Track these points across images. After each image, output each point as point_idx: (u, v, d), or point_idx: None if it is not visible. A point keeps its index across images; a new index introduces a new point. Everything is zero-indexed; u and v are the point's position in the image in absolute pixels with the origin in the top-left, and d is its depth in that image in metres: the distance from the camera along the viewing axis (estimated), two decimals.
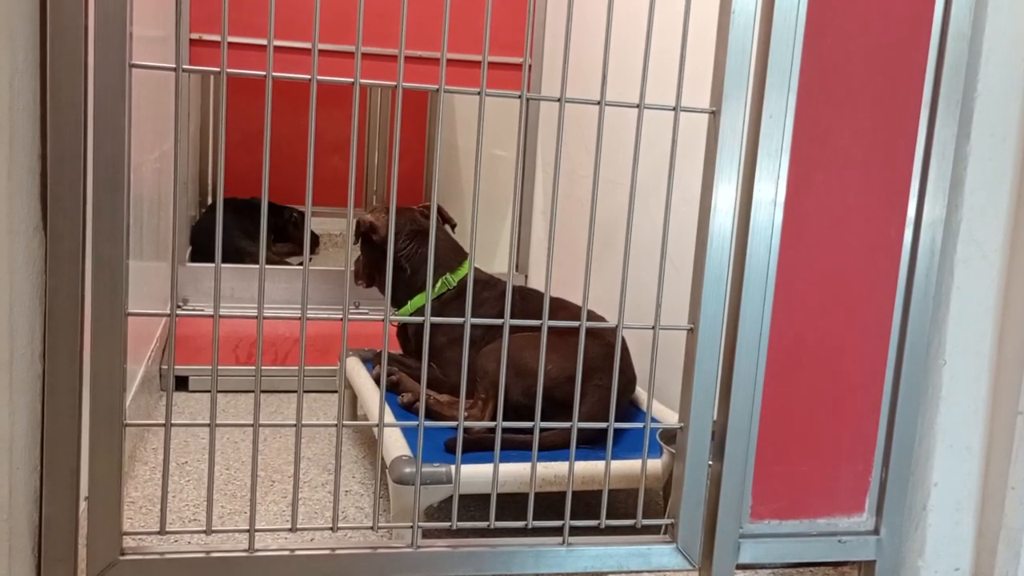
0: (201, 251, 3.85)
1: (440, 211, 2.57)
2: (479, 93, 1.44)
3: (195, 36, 3.13)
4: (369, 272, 2.55)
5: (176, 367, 2.78)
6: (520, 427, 1.81)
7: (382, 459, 1.73)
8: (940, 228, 1.64)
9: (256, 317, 1.42)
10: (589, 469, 1.90)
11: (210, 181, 4.66)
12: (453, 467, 1.81)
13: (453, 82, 1.43)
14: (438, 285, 2.41)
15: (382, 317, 1.49)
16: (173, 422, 1.45)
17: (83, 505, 1.40)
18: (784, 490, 1.68)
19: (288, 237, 4.51)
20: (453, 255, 2.47)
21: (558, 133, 1.49)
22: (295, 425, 1.47)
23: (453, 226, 2.56)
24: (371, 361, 2.51)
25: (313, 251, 4.60)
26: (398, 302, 2.49)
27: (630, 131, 1.56)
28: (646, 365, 1.64)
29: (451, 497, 1.65)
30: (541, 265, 3.46)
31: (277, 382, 2.85)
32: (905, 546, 1.75)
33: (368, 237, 2.51)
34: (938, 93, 1.60)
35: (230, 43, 3.07)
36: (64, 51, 1.27)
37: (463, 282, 2.40)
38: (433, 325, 1.53)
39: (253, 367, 2.85)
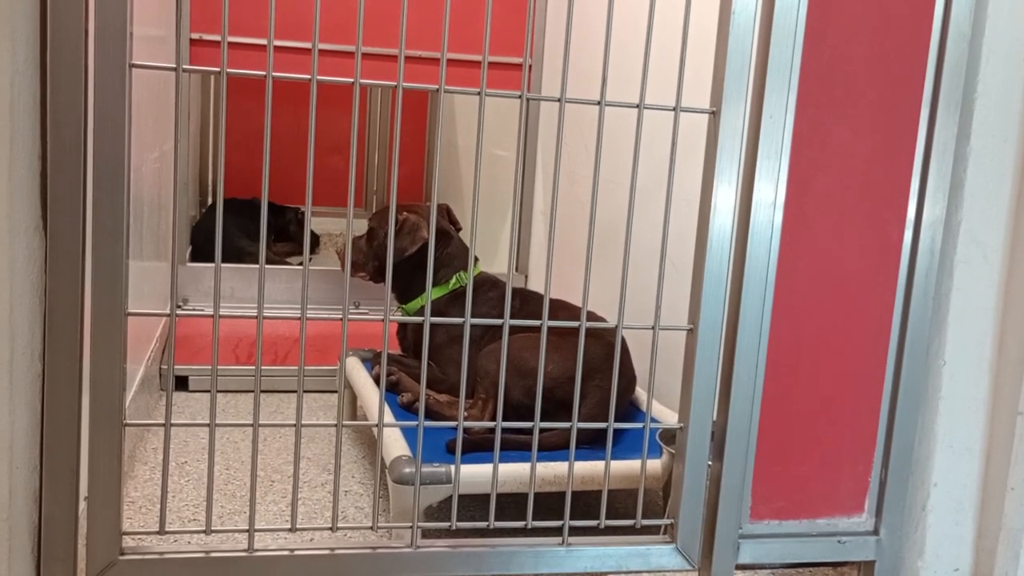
0: (201, 251, 3.86)
1: (448, 213, 2.58)
2: (479, 93, 1.44)
3: (195, 36, 3.13)
4: (378, 266, 2.55)
5: (176, 367, 2.78)
6: (520, 427, 1.81)
7: (382, 459, 1.73)
8: (940, 229, 1.64)
9: (256, 317, 1.42)
10: (589, 469, 1.90)
11: (210, 181, 4.66)
12: (453, 467, 1.81)
13: (453, 82, 1.43)
14: (452, 281, 2.44)
15: (382, 317, 1.49)
16: (173, 422, 1.45)
17: (83, 505, 1.40)
18: (784, 490, 1.68)
19: (288, 237, 4.51)
20: (467, 255, 2.49)
21: (558, 133, 1.49)
22: (295, 425, 1.47)
23: (458, 229, 2.57)
24: (370, 361, 2.51)
25: (313, 251, 4.60)
26: (406, 298, 2.50)
27: (630, 131, 1.56)
28: (646, 365, 1.64)
29: (451, 497, 1.65)
30: (541, 265, 3.46)
31: (277, 382, 2.85)
32: (905, 546, 1.75)
33: (375, 234, 2.53)
34: (938, 94, 1.60)
35: (230, 43, 3.07)
36: (64, 51, 1.27)
37: (475, 280, 2.41)
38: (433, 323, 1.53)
39: (253, 367, 2.85)
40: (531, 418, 1.56)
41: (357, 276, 2.59)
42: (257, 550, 1.46)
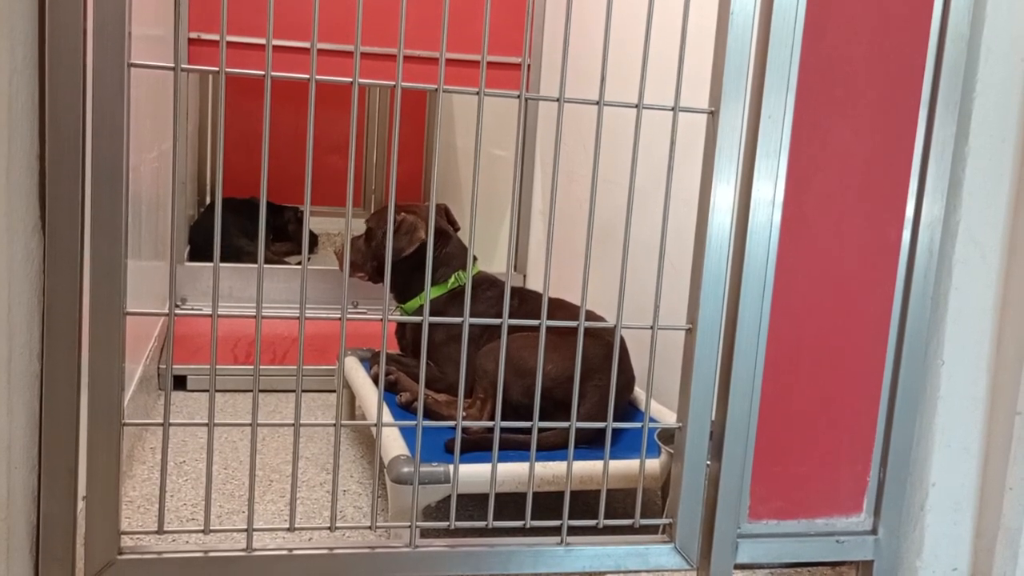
0: (199, 250, 3.85)
1: (447, 213, 2.58)
2: (478, 93, 1.44)
3: (194, 35, 3.12)
4: (376, 267, 2.55)
5: (174, 366, 2.77)
6: (519, 427, 1.81)
7: (380, 459, 1.73)
8: (939, 228, 1.65)
9: (254, 316, 1.42)
10: (587, 469, 1.90)
11: (209, 180, 4.66)
12: (451, 466, 1.81)
13: (452, 82, 1.43)
14: (451, 280, 2.44)
15: (380, 317, 1.49)
16: (171, 421, 1.45)
17: (81, 504, 1.40)
18: (782, 490, 1.68)
19: (287, 236, 4.51)
20: (466, 255, 2.49)
21: (557, 133, 1.49)
22: (293, 424, 1.47)
23: (456, 229, 2.57)
24: (369, 360, 2.51)
25: (312, 250, 4.60)
26: (404, 297, 2.50)
27: (629, 131, 1.56)
28: (645, 365, 1.64)
29: (449, 497, 1.65)
30: (540, 265, 3.46)
31: (275, 381, 2.85)
32: (903, 546, 1.75)
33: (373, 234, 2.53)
34: (937, 93, 1.60)
35: (229, 42, 3.07)
36: (63, 50, 1.27)
37: (474, 279, 2.41)
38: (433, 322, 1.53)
39: (251, 366, 2.85)
40: (530, 417, 1.56)
41: (356, 276, 2.59)
42: (255, 550, 1.46)
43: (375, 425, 1.54)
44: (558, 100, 1.47)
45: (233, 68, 1.38)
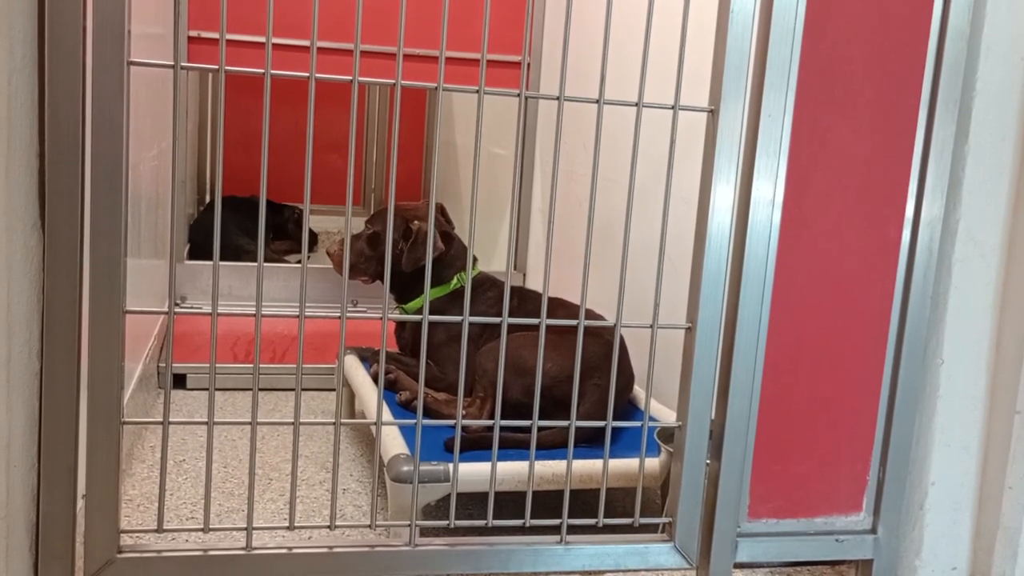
0: (199, 249, 3.85)
1: (443, 212, 2.58)
2: (478, 91, 1.44)
3: (193, 33, 3.12)
4: (378, 269, 2.54)
5: (174, 365, 2.77)
6: (518, 425, 1.81)
7: (380, 457, 1.73)
8: (938, 227, 1.64)
9: (254, 315, 1.42)
10: (587, 468, 1.90)
11: (208, 179, 4.66)
12: (451, 465, 1.81)
13: (452, 80, 1.43)
14: (453, 281, 2.44)
15: (380, 315, 1.49)
16: (171, 420, 1.45)
17: (80, 503, 1.40)
18: (782, 489, 1.68)
19: (287, 235, 4.51)
20: (467, 255, 2.49)
21: (557, 132, 1.49)
22: (293, 423, 1.47)
23: (452, 228, 2.57)
24: (368, 359, 2.51)
25: (311, 249, 4.60)
26: (405, 298, 2.50)
27: (629, 130, 1.56)
28: (645, 364, 1.64)
29: (449, 495, 1.65)
30: (540, 264, 3.46)
31: (275, 380, 2.85)
32: (902, 545, 1.75)
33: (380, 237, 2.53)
34: (937, 92, 1.60)
35: (228, 40, 3.07)
36: (62, 48, 1.27)
37: (475, 280, 2.41)
38: (433, 322, 1.53)
39: (251, 365, 2.84)
40: (529, 416, 1.57)
41: (357, 279, 2.58)
42: (255, 548, 1.46)
43: (375, 424, 1.54)
44: (558, 99, 1.47)
45: (233, 66, 1.38)
